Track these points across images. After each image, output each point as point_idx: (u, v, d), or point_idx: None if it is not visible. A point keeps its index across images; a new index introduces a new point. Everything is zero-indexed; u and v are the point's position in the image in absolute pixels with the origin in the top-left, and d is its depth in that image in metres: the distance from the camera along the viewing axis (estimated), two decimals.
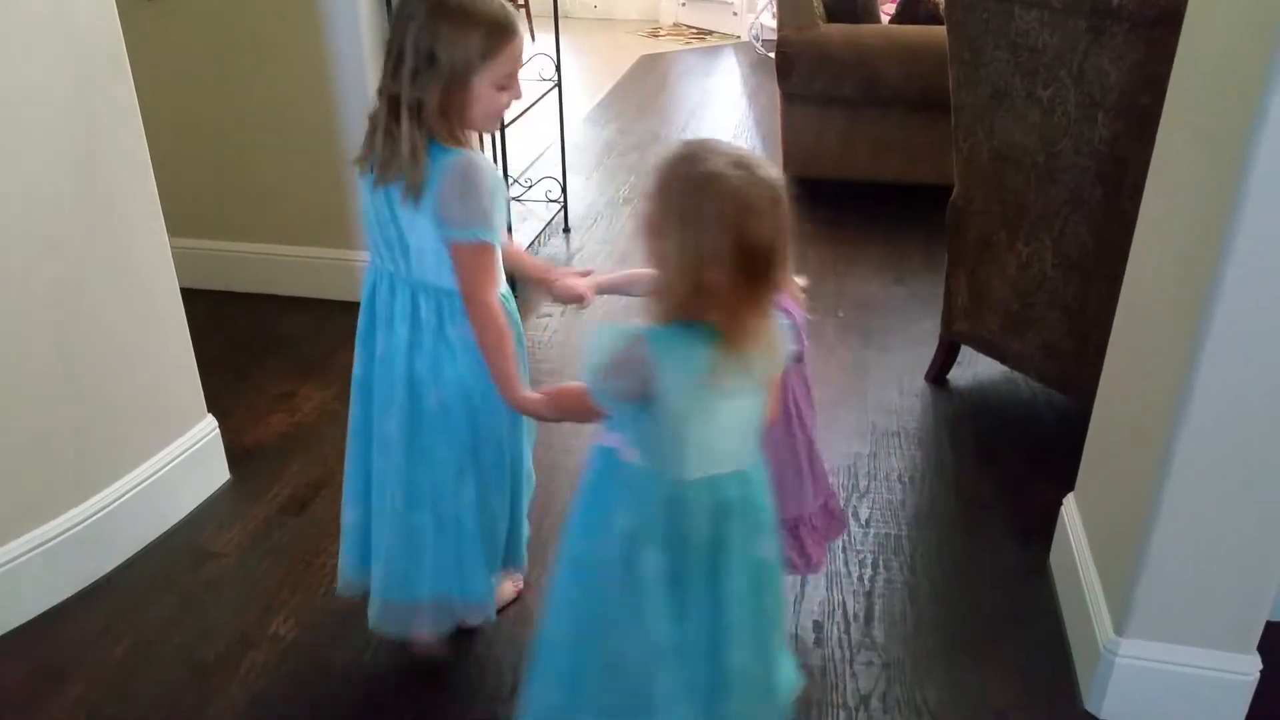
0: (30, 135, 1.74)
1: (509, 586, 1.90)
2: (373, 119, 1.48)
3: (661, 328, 1.18)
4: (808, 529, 1.71)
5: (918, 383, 2.67)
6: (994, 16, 2.13)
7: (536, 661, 1.40)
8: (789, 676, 1.42)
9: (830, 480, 1.77)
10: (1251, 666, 1.57)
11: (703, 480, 1.24)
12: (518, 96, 1.48)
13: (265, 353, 2.81)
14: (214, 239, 3.07)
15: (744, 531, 1.27)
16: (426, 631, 1.69)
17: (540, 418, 1.56)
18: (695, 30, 7.28)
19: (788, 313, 1.41)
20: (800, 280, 1.48)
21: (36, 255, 1.78)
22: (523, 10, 6.73)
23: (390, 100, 1.42)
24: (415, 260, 1.49)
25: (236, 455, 2.32)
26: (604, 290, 1.67)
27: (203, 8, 2.84)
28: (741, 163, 1.16)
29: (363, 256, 3.07)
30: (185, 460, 2.15)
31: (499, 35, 1.40)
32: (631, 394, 1.20)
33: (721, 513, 1.25)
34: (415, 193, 1.42)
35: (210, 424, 2.23)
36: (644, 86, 5.71)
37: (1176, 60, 1.58)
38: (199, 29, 2.86)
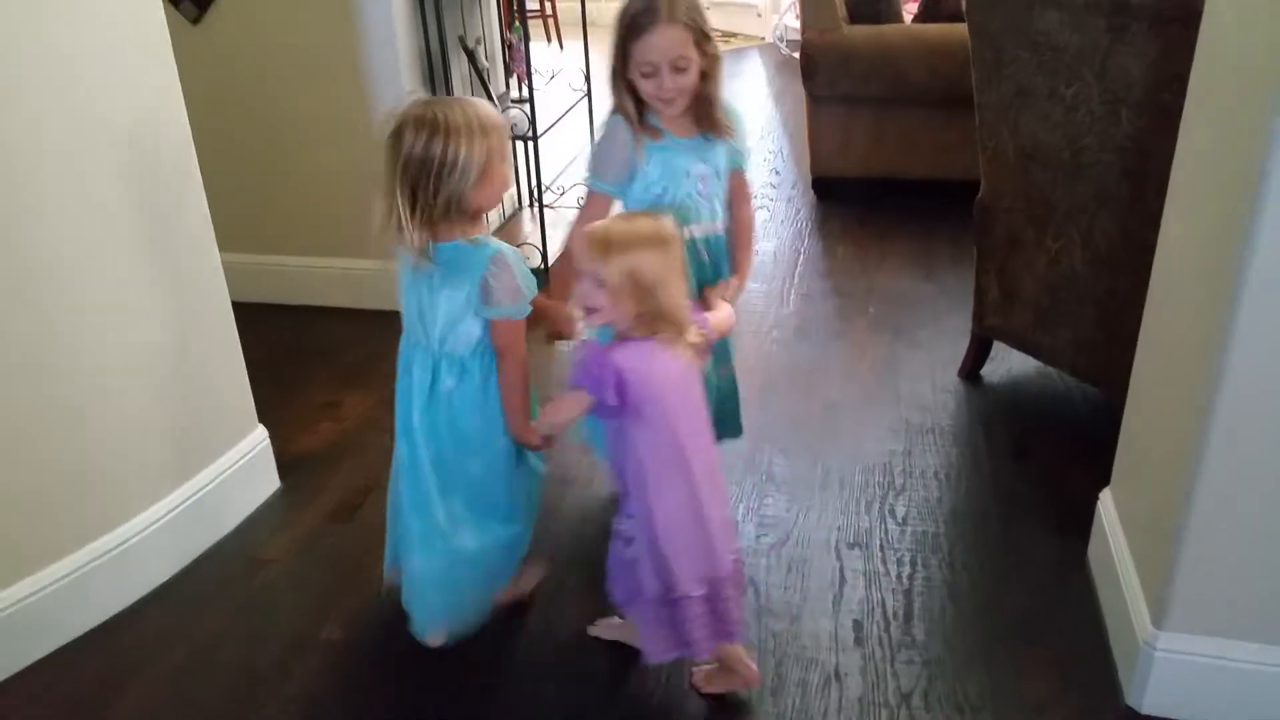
0: (96, 161, 1.83)
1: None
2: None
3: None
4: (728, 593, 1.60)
5: (950, 379, 2.69)
6: (1015, 16, 2.15)
7: None
8: None
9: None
10: None
11: None
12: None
13: (308, 363, 2.89)
14: (255, 253, 3.15)
15: None
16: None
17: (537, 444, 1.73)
18: (720, 33, 7.27)
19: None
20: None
21: (98, 273, 1.86)
22: (550, 20, 6.81)
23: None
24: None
25: (285, 464, 2.38)
26: None
27: (243, 30, 2.92)
28: None
29: (396, 267, 3.16)
30: (238, 470, 2.22)
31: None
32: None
33: None
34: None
35: (261, 434, 2.31)
36: None
37: (1195, 57, 1.60)
38: (240, 51, 2.95)
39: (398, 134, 1.56)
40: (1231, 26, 1.48)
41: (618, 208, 1.88)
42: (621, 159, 1.82)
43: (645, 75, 1.74)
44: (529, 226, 3.67)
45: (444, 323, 1.65)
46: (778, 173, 4.37)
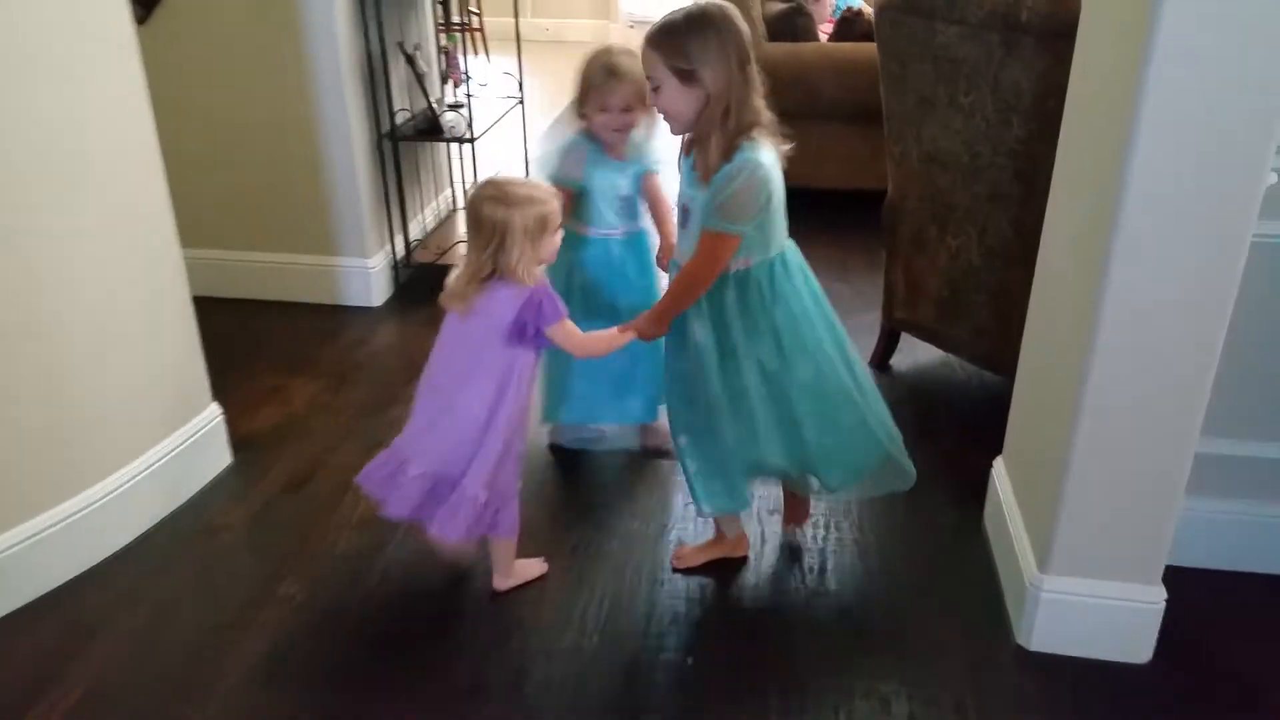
0: (71, 152, 1.94)
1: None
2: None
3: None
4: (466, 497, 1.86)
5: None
6: (918, 32, 2.38)
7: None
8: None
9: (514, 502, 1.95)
10: (1158, 596, 1.80)
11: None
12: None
13: (253, 352, 2.98)
14: (199, 247, 3.22)
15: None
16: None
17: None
18: (632, 52, 7.53)
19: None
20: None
21: (72, 252, 1.97)
22: (477, 33, 6.95)
23: None
24: None
25: (236, 443, 2.49)
26: None
27: (188, 31, 3.01)
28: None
29: (336, 262, 3.28)
30: (194, 443, 2.32)
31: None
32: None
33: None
34: None
35: (215, 410, 2.41)
36: None
37: (1072, 68, 1.83)
38: (185, 51, 3.03)
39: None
40: (1100, 43, 1.71)
41: None
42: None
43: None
44: (461, 229, 3.80)
45: None
46: None
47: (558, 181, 2.10)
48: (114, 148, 2.06)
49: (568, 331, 1.86)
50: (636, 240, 2.33)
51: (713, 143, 1.73)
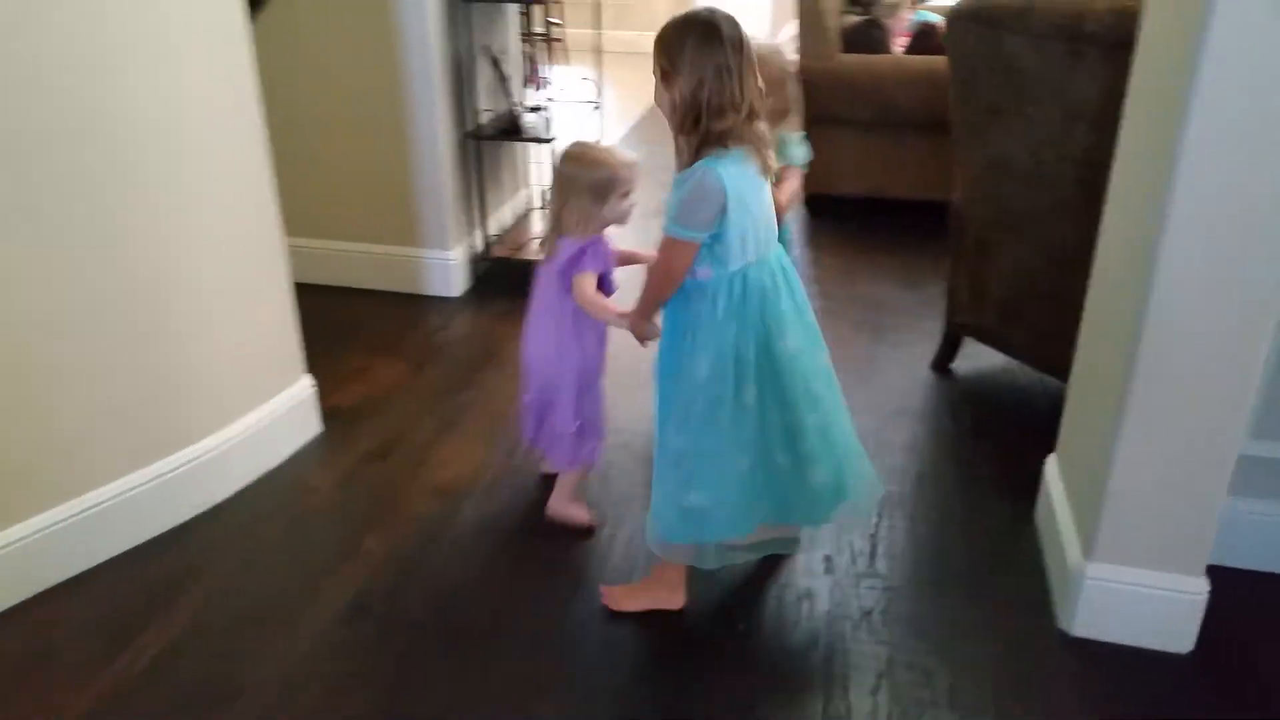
0: (184, 135, 2.13)
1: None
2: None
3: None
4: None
5: (923, 371, 2.98)
6: (986, 42, 2.46)
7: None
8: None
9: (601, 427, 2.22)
10: (1200, 587, 1.85)
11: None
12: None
13: (341, 335, 3.15)
14: (294, 236, 3.41)
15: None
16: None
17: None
18: None
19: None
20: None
21: (186, 236, 2.16)
22: (557, 44, 7.14)
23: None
24: None
25: (325, 415, 2.66)
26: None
27: (289, 33, 3.21)
28: None
29: (419, 254, 3.43)
30: (289, 410, 2.51)
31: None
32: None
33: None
34: None
35: (309, 382, 2.60)
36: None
37: (1130, 78, 1.91)
38: (285, 52, 3.22)
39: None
40: (1156, 52, 1.79)
41: None
42: None
43: None
44: (538, 225, 3.95)
45: None
46: None
47: None
48: (227, 137, 2.24)
49: (582, 284, 2.04)
50: None
51: (681, 145, 1.73)
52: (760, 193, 1.77)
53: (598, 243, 2.06)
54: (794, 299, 1.86)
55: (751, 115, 1.70)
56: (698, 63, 1.66)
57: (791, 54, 5.29)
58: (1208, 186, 1.59)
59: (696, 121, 1.68)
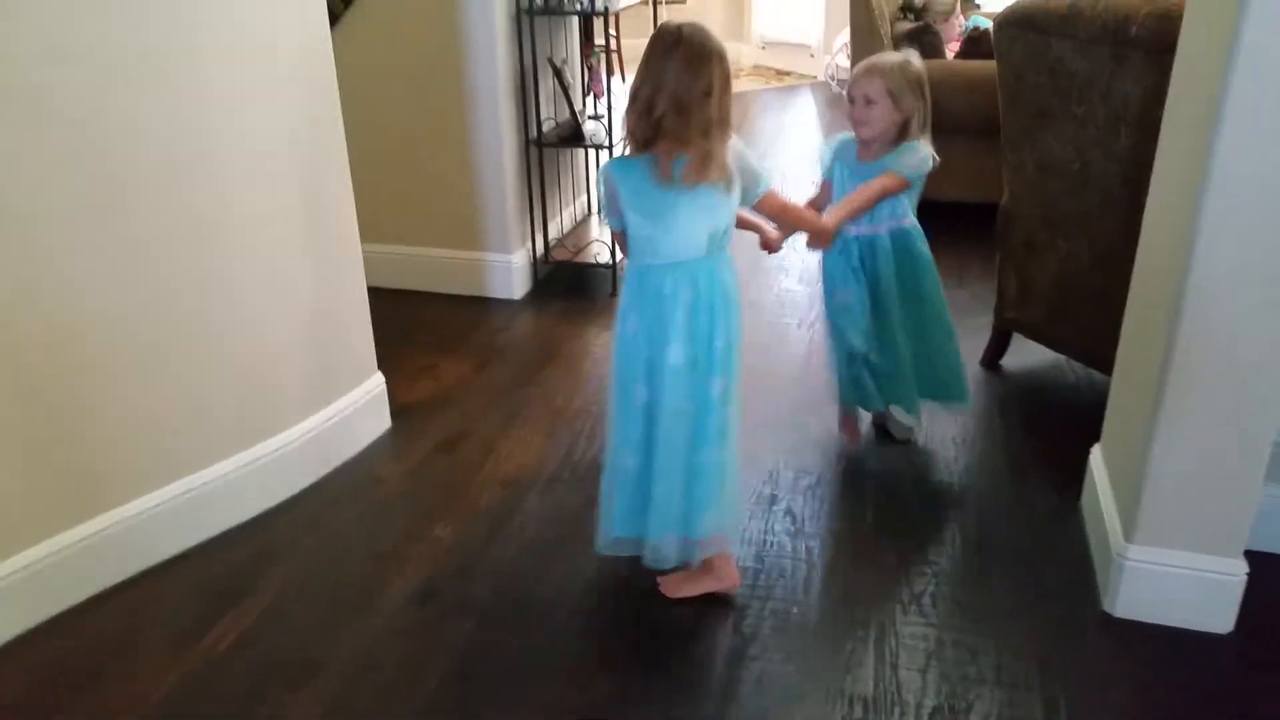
0: (268, 141, 2.28)
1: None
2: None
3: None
4: None
5: (973, 367, 3.04)
6: (1034, 46, 2.53)
7: None
8: None
9: None
10: (1239, 569, 1.91)
11: None
12: None
13: (409, 335, 3.30)
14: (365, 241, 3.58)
15: None
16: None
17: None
18: (775, 71, 7.75)
19: None
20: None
21: (268, 227, 2.31)
22: (615, 54, 7.28)
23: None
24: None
25: (394, 410, 2.80)
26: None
27: (364, 42, 3.37)
28: None
29: (483, 257, 3.57)
30: (363, 405, 2.65)
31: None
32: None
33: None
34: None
35: (380, 379, 2.74)
36: None
37: (1171, 80, 1.97)
38: (360, 61, 3.38)
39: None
40: (1194, 57, 1.85)
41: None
42: None
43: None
44: (596, 230, 4.08)
45: None
46: None
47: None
48: (310, 145, 2.39)
49: None
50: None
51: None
52: (661, 199, 1.83)
53: None
54: (701, 316, 1.88)
55: (664, 126, 1.77)
56: (656, 69, 1.78)
57: (847, 61, 5.34)
58: (1241, 185, 1.66)
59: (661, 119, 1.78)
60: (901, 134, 2.38)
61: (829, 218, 2.29)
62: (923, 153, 2.39)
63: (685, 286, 1.87)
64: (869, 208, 2.38)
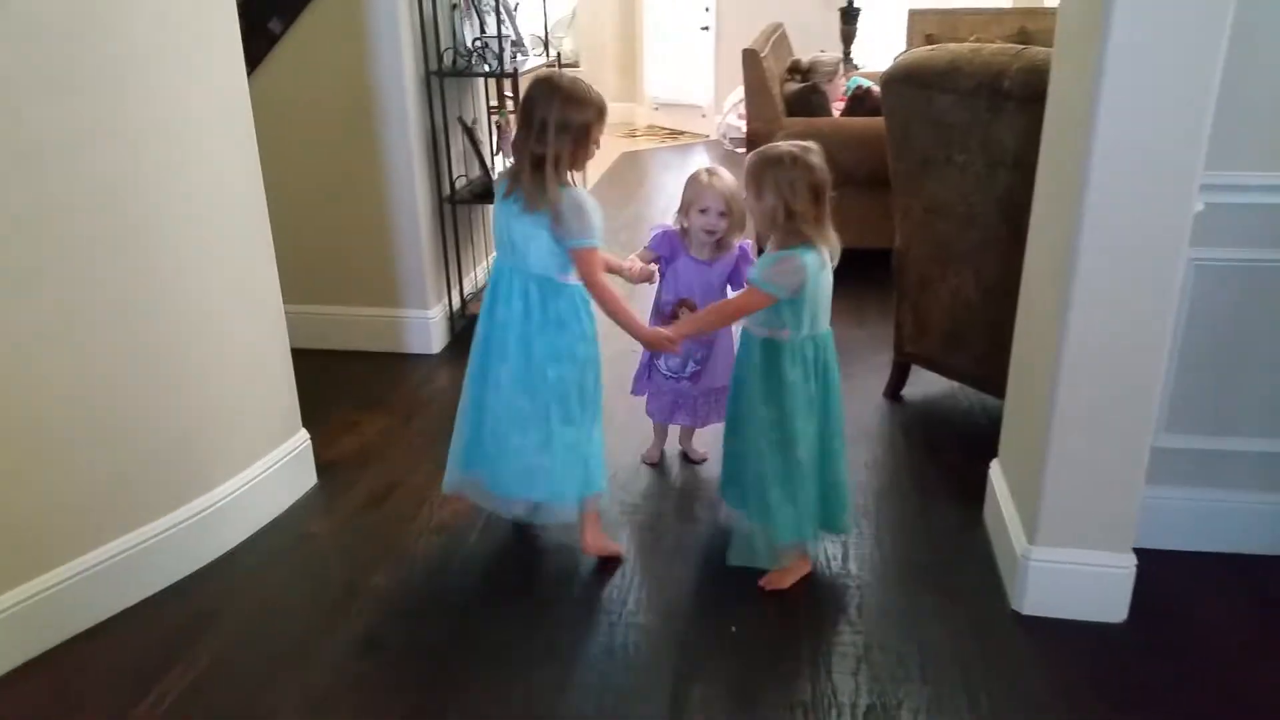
0: (199, 211, 2.33)
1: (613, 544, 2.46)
2: (516, 168, 2.19)
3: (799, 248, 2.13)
4: None
5: (877, 399, 3.24)
6: (917, 101, 2.77)
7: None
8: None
9: None
10: (1128, 562, 2.10)
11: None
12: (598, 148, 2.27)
13: (329, 393, 3.31)
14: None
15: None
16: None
17: (669, 345, 2.32)
18: (668, 130, 8.03)
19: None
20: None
21: (200, 287, 2.35)
22: (510, 118, 7.47)
23: (533, 157, 2.12)
24: (531, 257, 2.22)
25: (319, 468, 2.82)
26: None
27: (270, 102, 3.43)
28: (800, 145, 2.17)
29: (400, 314, 3.63)
30: (288, 462, 2.67)
31: (602, 111, 2.18)
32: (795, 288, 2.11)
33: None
34: (548, 215, 2.15)
35: (304, 435, 2.76)
36: (626, 179, 6.41)
37: (1044, 127, 2.20)
38: (269, 120, 3.44)
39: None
40: (1061, 102, 2.08)
41: None
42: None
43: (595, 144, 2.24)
44: None
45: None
46: None
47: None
48: (233, 208, 2.45)
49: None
50: None
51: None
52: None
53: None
54: (527, 334, 2.25)
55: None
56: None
57: (739, 120, 5.59)
58: (1112, 218, 1.88)
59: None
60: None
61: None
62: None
63: (524, 301, 2.28)
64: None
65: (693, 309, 2.53)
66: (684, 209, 2.60)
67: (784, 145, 2.18)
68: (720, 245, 2.61)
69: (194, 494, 2.40)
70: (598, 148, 2.23)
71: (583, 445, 2.30)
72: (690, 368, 2.68)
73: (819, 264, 2.16)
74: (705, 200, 2.54)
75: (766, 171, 2.14)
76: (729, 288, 2.63)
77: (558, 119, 2.10)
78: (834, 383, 2.28)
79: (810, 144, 2.19)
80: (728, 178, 2.56)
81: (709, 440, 2.85)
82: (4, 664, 2.06)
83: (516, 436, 2.29)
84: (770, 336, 2.21)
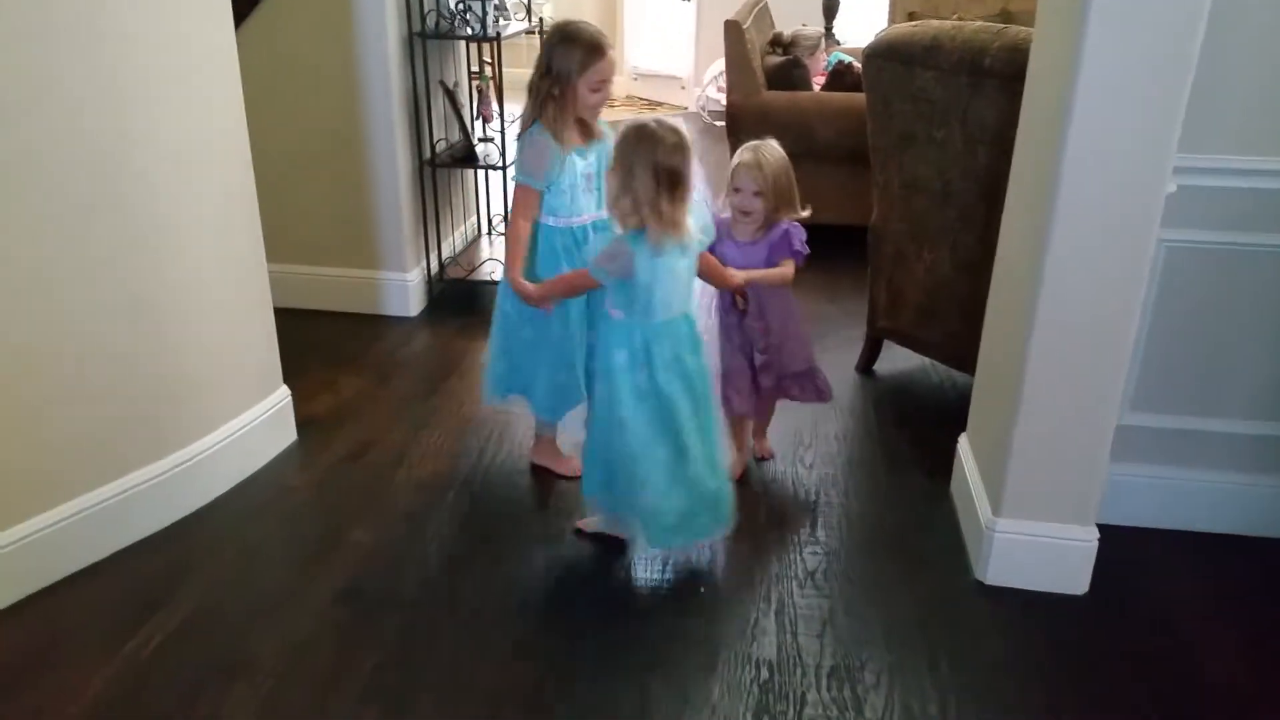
0: (185, 169, 2.33)
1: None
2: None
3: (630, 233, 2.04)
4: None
5: (849, 373, 3.28)
6: (899, 76, 2.80)
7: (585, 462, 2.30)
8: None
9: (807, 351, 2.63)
10: (1091, 536, 2.16)
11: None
12: (607, 99, 2.34)
13: (307, 353, 3.31)
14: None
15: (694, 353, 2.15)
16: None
17: (528, 296, 2.32)
18: (647, 102, 8.01)
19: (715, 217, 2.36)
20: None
21: (192, 241, 2.35)
22: (491, 83, 7.42)
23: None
24: None
25: (298, 424, 2.84)
26: None
27: (252, 61, 3.40)
28: (661, 122, 2.04)
29: (379, 276, 3.62)
30: (269, 417, 2.69)
31: (591, 53, 2.23)
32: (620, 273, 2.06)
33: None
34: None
35: (286, 391, 2.78)
36: None
37: (1021, 106, 2.23)
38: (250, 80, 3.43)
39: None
40: (1041, 83, 2.12)
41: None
42: (549, 161, 2.34)
43: (593, 90, 2.29)
44: (488, 249, 4.19)
45: None
46: None
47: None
48: (218, 166, 2.45)
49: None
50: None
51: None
52: None
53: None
54: None
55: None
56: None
57: (718, 93, 5.59)
58: (1085, 197, 1.92)
59: None
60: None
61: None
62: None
63: None
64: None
65: (745, 299, 2.50)
66: (726, 189, 2.50)
67: (649, 121, 2.05)
68: (765, 226, 2.50)
69: (177, 445, 2.42)
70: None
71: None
72: (758, 359, 2.57)
73: (651, 253, 2.04)
74: (737, 179, 2.45)
75: (619, 144, 2.06)
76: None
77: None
78: (686, 380, 2.14)
79: (678, 125, 2.07)
80: (771, 156, 2.46)
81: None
82: None
83: None
84: (609, 314, 2.17)
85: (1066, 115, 1.88)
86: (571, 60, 2.22)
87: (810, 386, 2.64)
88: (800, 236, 2.52)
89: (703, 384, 2.18)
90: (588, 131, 2.40)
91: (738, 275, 2.43)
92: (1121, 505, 2.33)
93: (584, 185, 2.40)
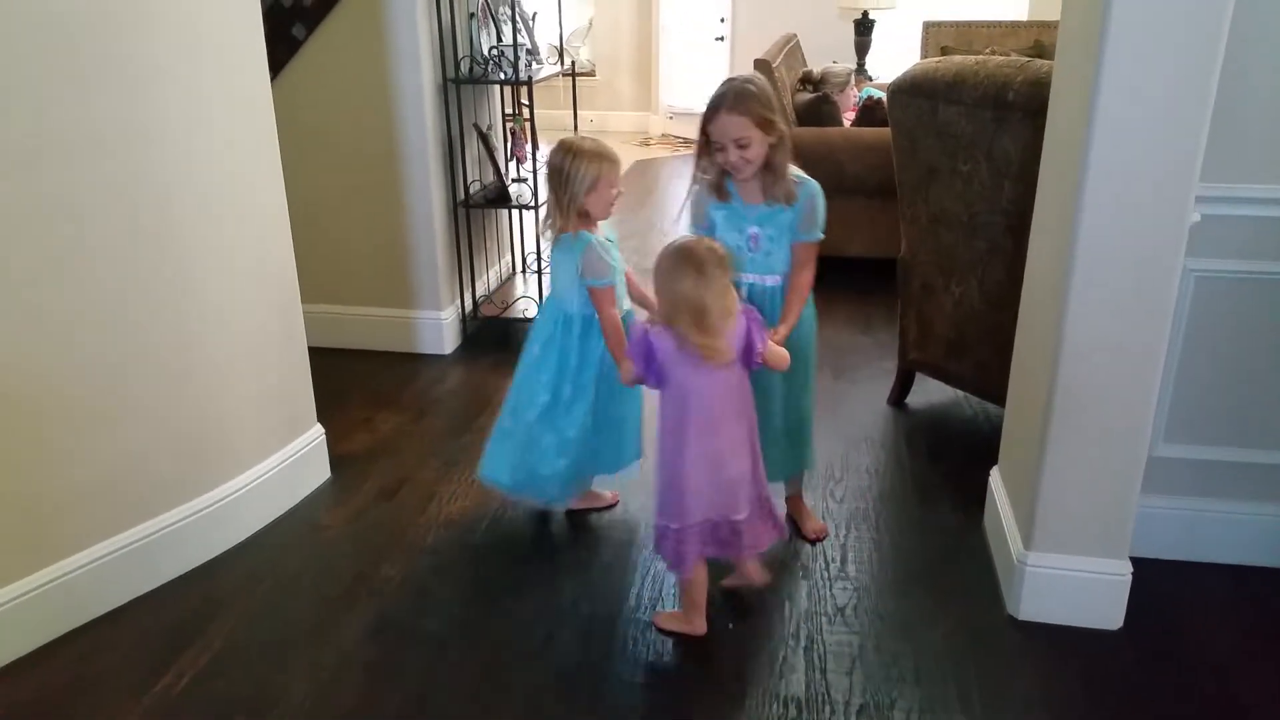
0: (220, 209, 2.40)
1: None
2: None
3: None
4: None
5: (881, 405, 3.27)
6: (924, 112, 2.81)
7: None
8: None
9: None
10: (1124, 570, 2.13)
11: None
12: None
13: (343, 391, 3.38)
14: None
15: None
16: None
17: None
18: (681, 140, 8.08)
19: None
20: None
21: (222, 285, 2.41)
22: (526, 124, 7.53)
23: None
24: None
25: (332, 462, 2.88)
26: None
27: (291, 108, 3.50)
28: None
29: (413, 315, 3.68)
30: (303, 455, 2.73)
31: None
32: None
33: None
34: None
35: (319, 429, 2.82)
36: (639, 187, 6.45)
37: (1045, 139, 2.24)
38: (290, 126, 3.51)
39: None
40: (1060, 113, 2.12)
41: None
42: (699, 214, 2.37)
43: (717, 149, 2.23)
44: (522, 286, 4.24)
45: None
46: None
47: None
48: (254, 207, 2.51)
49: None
50: None
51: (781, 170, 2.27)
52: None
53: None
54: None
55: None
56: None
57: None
58: (1105, 230, 1.91)
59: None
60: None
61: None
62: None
63: None
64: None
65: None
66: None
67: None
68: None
69: (211, 485, 2.46)
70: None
71: None
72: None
73: (563, 248, 2.39)
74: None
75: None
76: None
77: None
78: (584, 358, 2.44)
79: (602, 145, 2.39)
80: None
81: None
82: (24, 646, 2.13)
83: None
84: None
85: (1086, 147, 1.88)
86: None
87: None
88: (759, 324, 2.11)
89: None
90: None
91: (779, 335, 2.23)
92: (1155, 538, 2.29)
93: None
